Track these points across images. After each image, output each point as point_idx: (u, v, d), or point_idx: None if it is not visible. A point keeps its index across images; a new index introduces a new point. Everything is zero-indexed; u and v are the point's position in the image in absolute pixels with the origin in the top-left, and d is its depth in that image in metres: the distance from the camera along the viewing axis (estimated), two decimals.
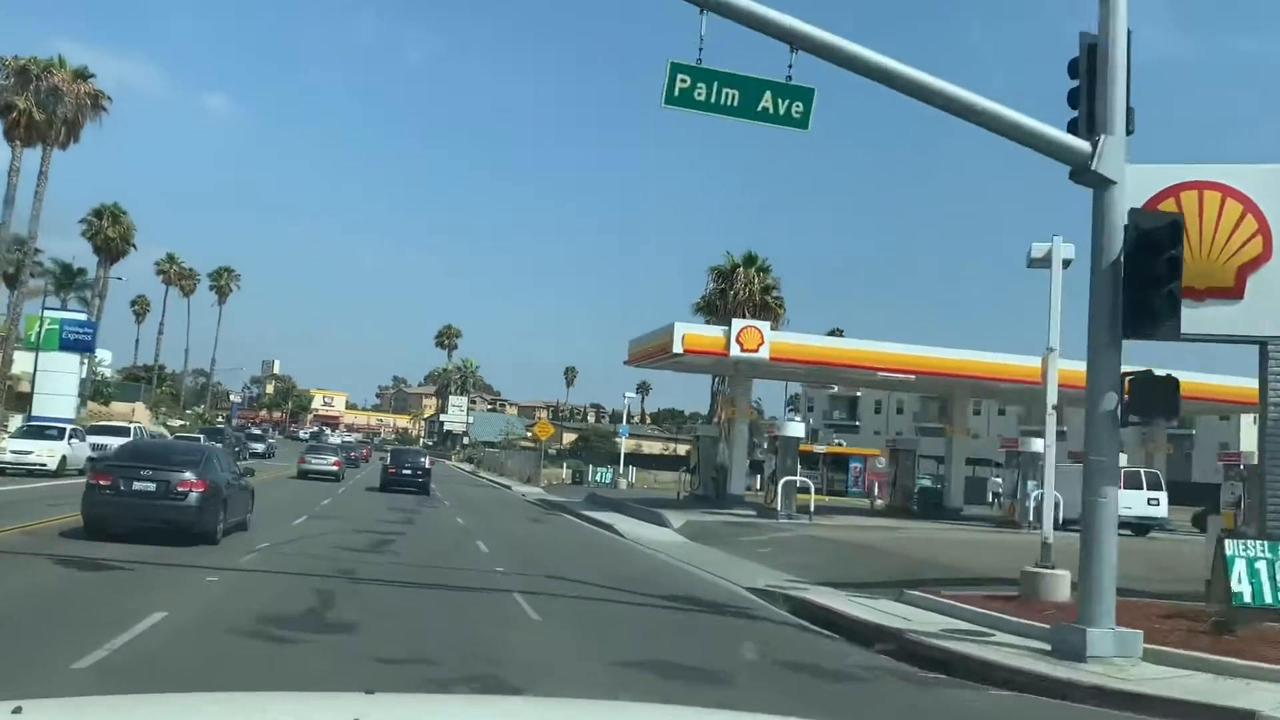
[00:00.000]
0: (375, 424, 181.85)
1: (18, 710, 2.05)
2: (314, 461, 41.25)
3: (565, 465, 60.21)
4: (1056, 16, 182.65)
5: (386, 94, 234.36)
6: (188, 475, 15.17)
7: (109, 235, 74.40)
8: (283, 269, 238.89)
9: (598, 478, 52.25)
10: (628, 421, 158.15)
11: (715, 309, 60.27)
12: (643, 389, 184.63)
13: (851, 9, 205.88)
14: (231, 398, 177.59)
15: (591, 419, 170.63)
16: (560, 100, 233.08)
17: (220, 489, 15.82)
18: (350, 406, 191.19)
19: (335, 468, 41.38)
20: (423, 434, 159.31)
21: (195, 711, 2.47)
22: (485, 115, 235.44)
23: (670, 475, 69.83)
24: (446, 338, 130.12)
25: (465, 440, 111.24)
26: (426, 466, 39.28)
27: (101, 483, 15.12)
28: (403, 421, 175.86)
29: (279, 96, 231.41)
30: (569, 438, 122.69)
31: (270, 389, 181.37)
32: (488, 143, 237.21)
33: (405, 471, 38.14)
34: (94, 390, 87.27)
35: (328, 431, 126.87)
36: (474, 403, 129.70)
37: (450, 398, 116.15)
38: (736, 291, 58.24)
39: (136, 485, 14.97)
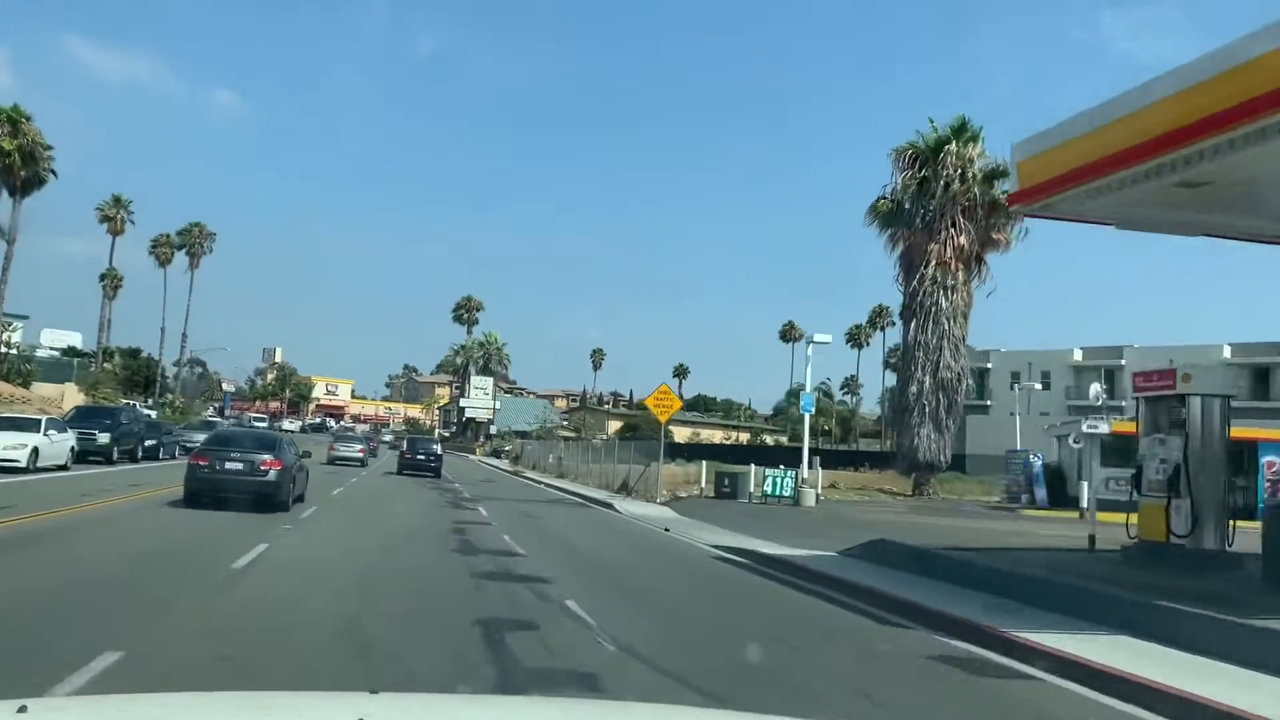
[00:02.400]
0: (384, 414, 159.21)
1: (23, 709, 1.97)
2: (342, 449, 44.19)
3: (706, 465, 37.30)
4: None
5: (397, 83, 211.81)
6: (268, 457, 18.03)
7: (3, 148, 51.74)
8: (294, 260, 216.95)
9: (769, 487, 28.99)
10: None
11: (903, 215, 37.67)
12: (680, 372, 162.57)
13: (852, 14, 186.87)
14: (224, 386, 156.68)
15: (609, 407, 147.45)
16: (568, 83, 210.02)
17: (290, 468, 18.59)
18: (356, 396, 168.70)
19: (360, 454, 44.71)
20: (437, 424, 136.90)
21: (199, 710, 2.43)
22: (499, 97, 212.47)
23: (850, 476, 43.12)
24: (466, 310, 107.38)
25: (492, 430, 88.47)
26: (438, 453, 41.51)
27: (200, 463, 17.96)
28: (414, 411, 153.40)
29: (290, 89, 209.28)
30: (613, 425, 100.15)
31: (270, 377, 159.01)
32: (498, 129, 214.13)
33: (420, 457, 40.00)
34: (8, 368, 65.20)
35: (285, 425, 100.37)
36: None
37: (473, 378, 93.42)
38: (946, 180, 35.67)
39: (229, 465, 17.77)
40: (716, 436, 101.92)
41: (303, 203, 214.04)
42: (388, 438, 59.36)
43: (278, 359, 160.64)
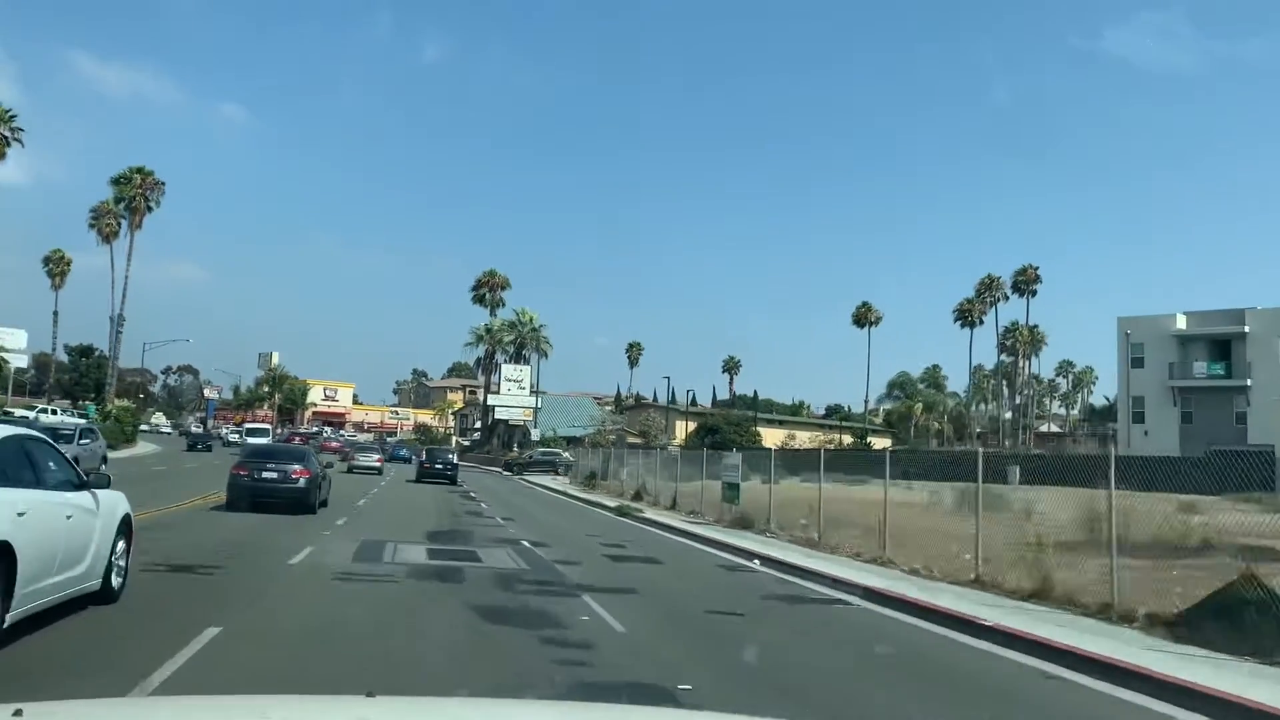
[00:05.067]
0: (391, 421, 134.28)
1: (18, 713, 1.90)
2: (361, 459, 45.07)
3: None
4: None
5: (403, 91, 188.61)
6: (298, 466, 19.69)
7: None
8: (296, 268, 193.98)
9: None
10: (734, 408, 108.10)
11: None
12: (731, 367, 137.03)
13: (850, 19, 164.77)
14: (206, 393, 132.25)
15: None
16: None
17: (317, 476, 20.25)
18: (359, 403, 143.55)
19: (378, 464, 45.47)
20: (452, 430, 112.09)
21: (196, 713, 2.32)
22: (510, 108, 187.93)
23: None
24: (489, 289, 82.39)
25: (534, 433, 63.26)
26: (454, 462, 42.72)
27: (240, 473, 19.41)
28: (425, 417, 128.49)
29: (295, 100, 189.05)
30: (684, 428, 75.44)
31: (267, 386, 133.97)
32: (507, 134, 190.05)
33: (437, 466, 40.92)
34: None
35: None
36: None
37: (504, 369, 68.53)
38: None
39: (264, 474, 19.34)
40: (811, 437, 76.95)
41: (306, 211, 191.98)
42: (375, 459, 46.99)
43: (274, 362, 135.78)
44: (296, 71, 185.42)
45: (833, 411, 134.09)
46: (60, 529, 7.20)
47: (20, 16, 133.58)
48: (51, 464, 7.64)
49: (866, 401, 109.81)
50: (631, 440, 63.24)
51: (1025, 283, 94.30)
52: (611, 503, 29.10)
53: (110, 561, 8.24)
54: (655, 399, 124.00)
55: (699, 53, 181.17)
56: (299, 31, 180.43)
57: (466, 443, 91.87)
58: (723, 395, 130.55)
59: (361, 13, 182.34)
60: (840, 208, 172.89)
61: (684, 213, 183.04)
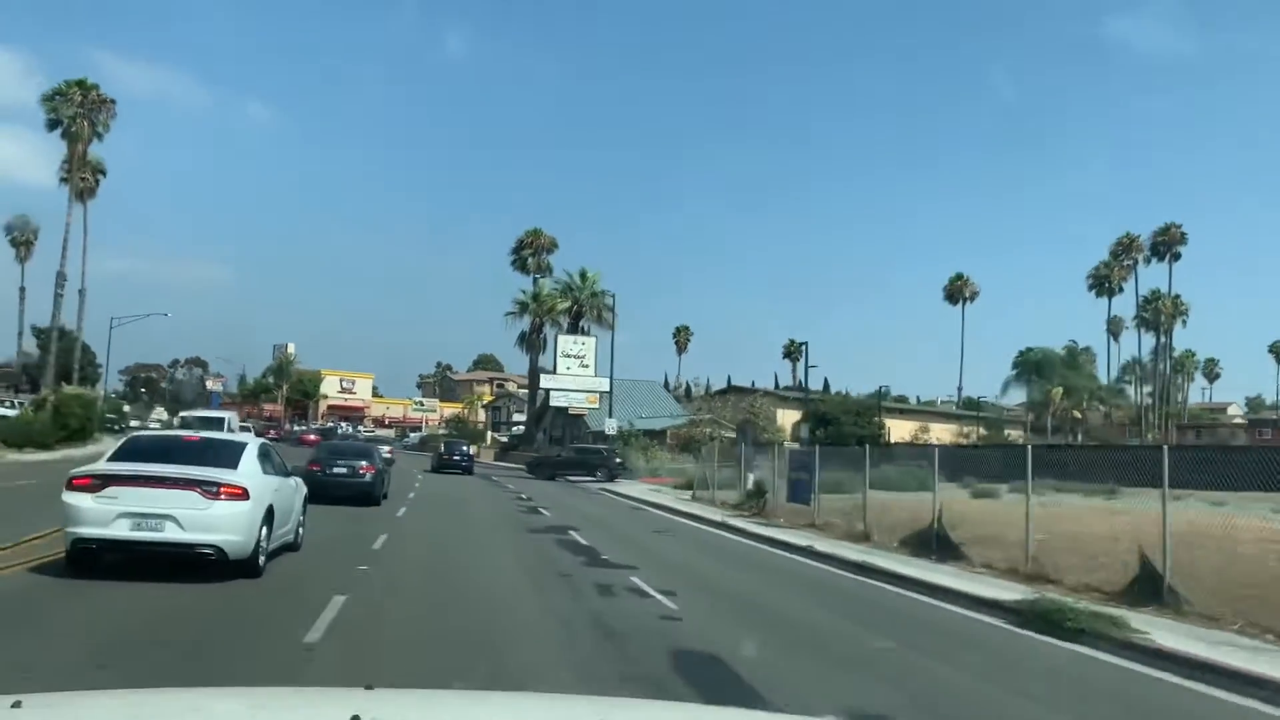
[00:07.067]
0: (415, 415, 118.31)
1: (17, 704, 1.87)
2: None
3: None
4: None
5: (426, 83, 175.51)
6: (364, 463, 21.52)
7: None
8: (324, 267, 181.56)
9: None
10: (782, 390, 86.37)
11: None
12: (792, 352, 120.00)
13: (851, 22, 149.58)
14: (209, 385, 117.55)
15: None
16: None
17: (381, 472, 22.01)
18: (378, 395, 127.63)
19: (389, 455, 44.65)
20: (486, 425, 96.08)
21: (195, 705, 2.30)
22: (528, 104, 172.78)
23: None
24: (532, 251, 66.19)
25: (609, 427, 46.52)
26: (469, 454, 44.77)
27: (314, 469, 20.19)
28: (452, 409, 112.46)
29: (319, 98, 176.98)
30: (789, 417, 58.80)
31: (273, 376, 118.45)
32: (527, 126, 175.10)
33: (454, 458, 42.77)
34: None
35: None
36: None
37: (561, 340, 52.03)
38: None
39: (335, 470, 20.97)
40: (942, 431, 60.30)
41: (327, 205, 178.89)
42: (386, 451, 39.52)
43: (290, 353, 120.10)
44: (317, 64, 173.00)
45: (899, 401, 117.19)
46: (284, 500, 11.47)
47: (42, 15, 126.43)
48: (276, 459, 11.94)
49: (960, 388, 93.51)
50: (728, 434, 47.14)
51: (1167, 244, 77.36)
52: (981, 588, 12.61)
53: (299, 524, 12.52)
54: (706, 387, 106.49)
55: (727, 39, 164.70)
56: (319, 25, 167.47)
57: (504, 438, 75.81)
58: (785, 384, 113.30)
59: (384, 5, 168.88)
60: (922, 174, 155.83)
61: (720, 197, 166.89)
